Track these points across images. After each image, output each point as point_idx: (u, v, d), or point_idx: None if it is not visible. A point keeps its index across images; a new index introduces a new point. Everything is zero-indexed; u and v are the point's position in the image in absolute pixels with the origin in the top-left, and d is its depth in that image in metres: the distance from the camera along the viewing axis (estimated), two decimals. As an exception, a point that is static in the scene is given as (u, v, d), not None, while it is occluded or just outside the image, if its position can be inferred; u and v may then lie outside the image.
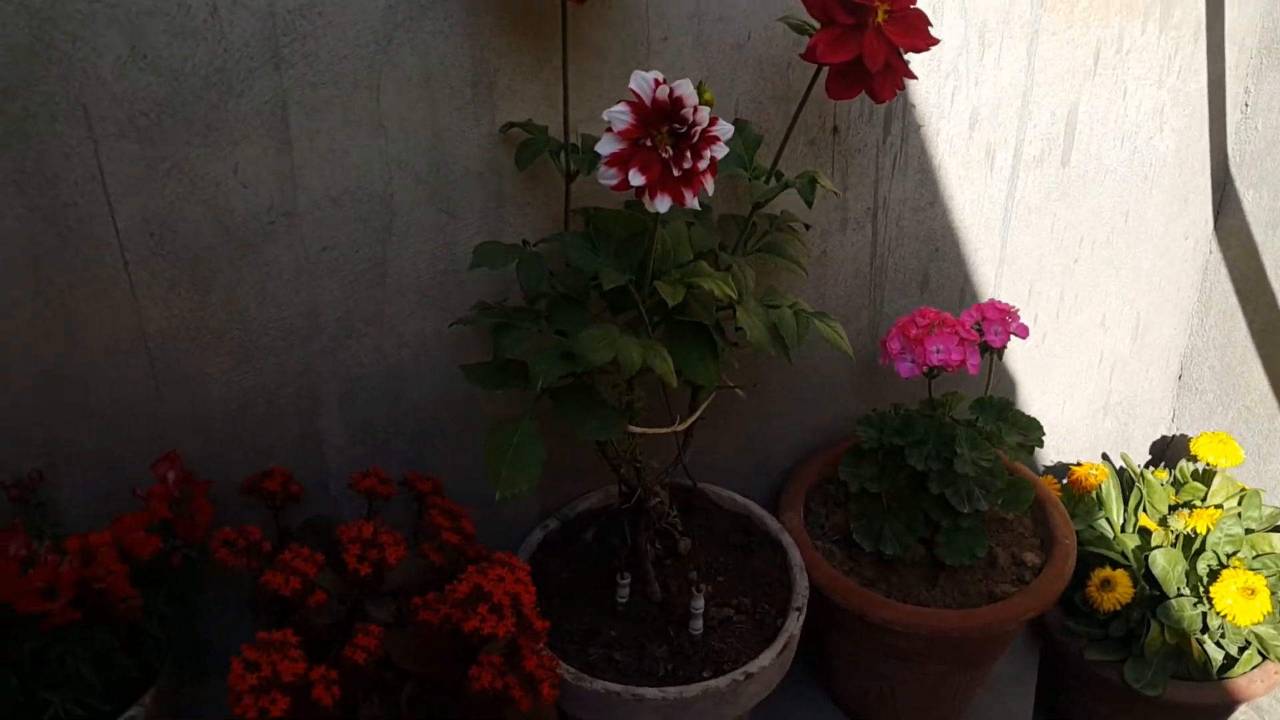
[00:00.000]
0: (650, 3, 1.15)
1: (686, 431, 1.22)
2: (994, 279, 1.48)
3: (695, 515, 1.40)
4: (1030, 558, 1.40)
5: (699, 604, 1.27)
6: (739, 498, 1.44)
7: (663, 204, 0.94)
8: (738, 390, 1.24)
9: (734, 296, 1.06)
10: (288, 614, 1.24)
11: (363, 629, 1.11)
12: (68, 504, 1.21)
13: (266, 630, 1.09)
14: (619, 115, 0.94)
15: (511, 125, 1.14)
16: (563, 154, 1.12)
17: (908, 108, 1.33)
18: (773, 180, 1.18)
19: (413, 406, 1.31)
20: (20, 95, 0.97)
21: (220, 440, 1.24)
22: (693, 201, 0.95)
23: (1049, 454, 1.73)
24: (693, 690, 1.19)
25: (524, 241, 1.19)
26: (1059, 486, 1.59)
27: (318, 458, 1.30)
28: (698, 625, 1.28)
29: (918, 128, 1.34)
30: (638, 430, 1.14)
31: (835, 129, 1.32)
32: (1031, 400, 1.43)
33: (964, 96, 1.38)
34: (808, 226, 1.27)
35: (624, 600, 1.32)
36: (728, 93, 1.23)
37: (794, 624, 1.27)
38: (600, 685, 1.20)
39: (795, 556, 1.35)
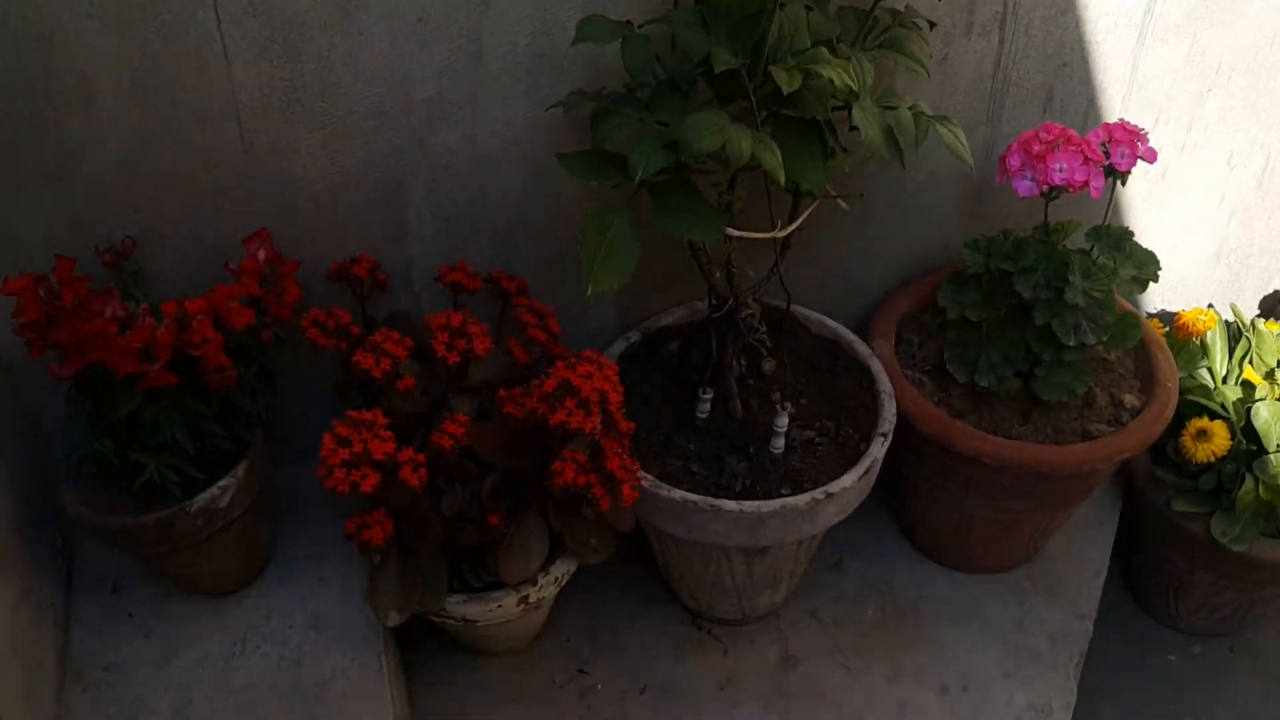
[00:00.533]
0: None
1: (784, 241, 1.17)
2: (1120, 103, 1.38)
3: (781, 335, 1.36)
4: (1129, 399, 1.35)
5: (782, 422, 1.24)
6: (828, 321, 1.40)
7: (789, -22, 0.87)
8: (840, 201, 1.17)
9: (854, 87, 0.99)
10: (372, 400, 1.25)
11: (450, 417, 1.11)
12: (158, 275, 1.21)
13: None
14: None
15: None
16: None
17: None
18: (901, -28, 1.09)
19: (499, 201, 1.27)
20: None
21: (308, 223, 1.22)
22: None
23: (1153, 299, 1.64)
24: (771, 505, 1.18)
25: (627, 22, 1.12)
26: (1163, 331, 1.52)
27: (402, 249, 1.28)
28: (779, 444, 1.26)
29: (1058, -71, 1.22)
30: (736, 233, 1.09)
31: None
32: (1142, 239, 1.35)
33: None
34: (932, 25, 1.18)
35: (704, 415, 1.30)
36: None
37: (878, 448, 1.25)
38: (678, 494, 1.19)
39: (884, 383, 1.31)
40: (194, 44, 1.05)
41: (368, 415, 1.07)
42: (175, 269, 1.21)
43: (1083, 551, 1.55)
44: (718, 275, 1.19)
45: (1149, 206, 1.52)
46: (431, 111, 1.17)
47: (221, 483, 1.14)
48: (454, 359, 1.11)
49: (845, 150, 1.10)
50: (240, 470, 1.16)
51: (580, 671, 1.41)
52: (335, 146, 1.16)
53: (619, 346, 1.37)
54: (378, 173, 1.20)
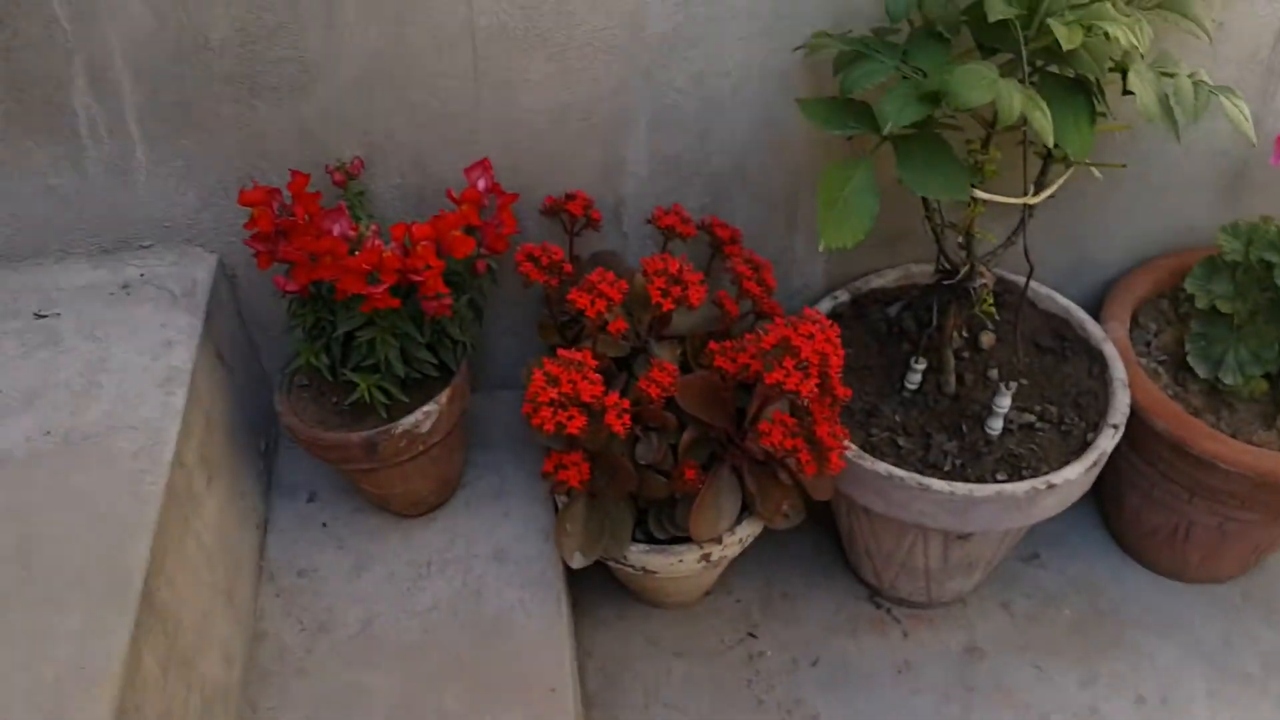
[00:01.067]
0: None
1: (1029, 209, 1.08)
2: None
3: (1003, 310, 1.28)
4: (1393, 415, 1.22)
5: (1003, 402, 1.17)
6: (1058, 297, 1.30)
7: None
8: (1094, 170, 1.08)
9: (1139, 46, 0.90)
10: (572, 339, 1.23)
11: (659, 365, 1.08)
12: (381, 196, 1.22)
13: (552, 353, 1.08)
14: None
15: None
16: None
17: None
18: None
19: (719, 146, 1.22)
20: None
21: (526, 154, 1.20)
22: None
23: None
24: (985, 490, 1.11)
25: (886, -34, 1.05)
26: None
27: (616, 188, 1.25)
28: (996, 425, 1.18)
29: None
30: (984, 195, 1.02)
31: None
32: None
33: None
34: (1218, -13, 1.07)
35: (914, 386, 1.23)
36: None
37: (1107, 441, 1.16)
38: (883, 467, 1.14)
39: (1118, 370, 1.22)
40: (437, -35, 1.03)
41: (577, 355, 1.05)
42: (395, 191, 1.22)
43: (1304, 570, 1.43)
44: (950, 240, 1.12)
45: None
46: (664, 47, 1.13)
47: (426, 408, 1.15)
48: (668, 306, 1.08)
49: (1110, 115, 1.01)
50: (443, 397, 1.17)
51: (750, 635, 1.39)
52: (565, 79, 1.13)
53: (826, 305, 1.32)
54: (602, 108, 1.17)
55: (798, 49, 1.10)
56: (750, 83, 1.16)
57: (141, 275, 1.21)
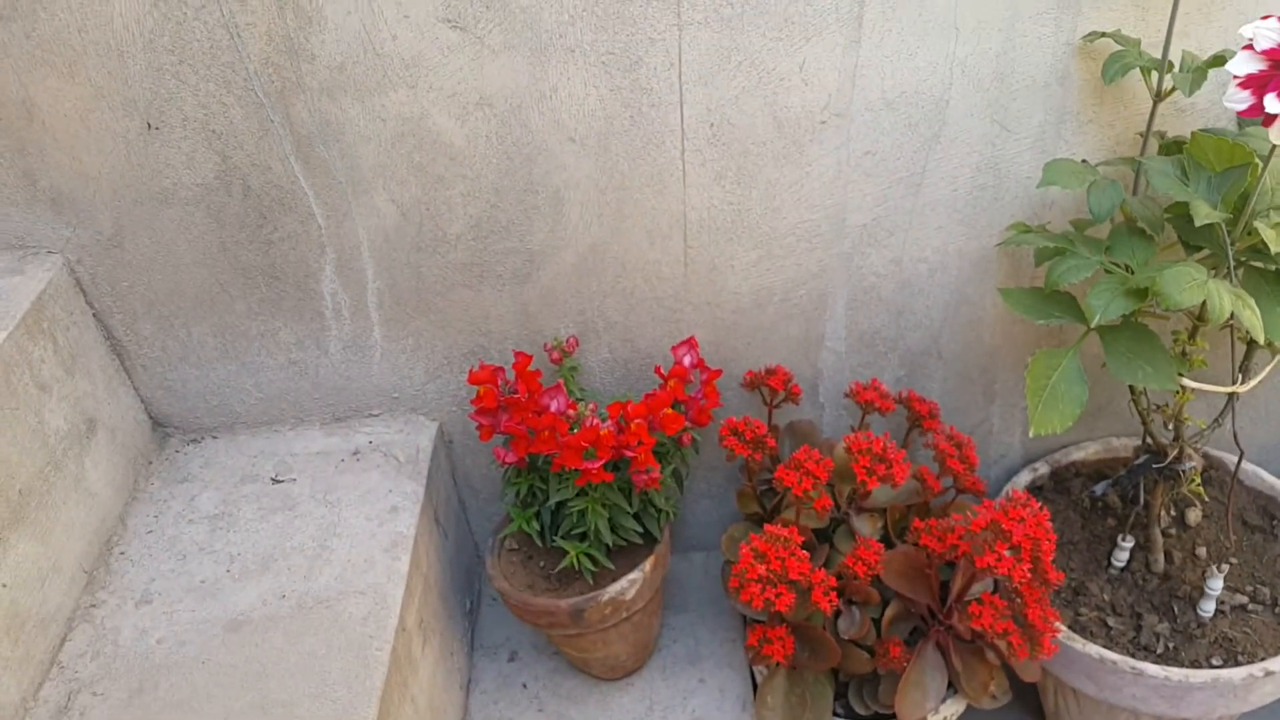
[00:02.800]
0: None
1: (1235, 394, 1.08)
2: None
3: (1209, 485, 1.26)
4: None
5: (1216, 584, 1.14)
6: (1265, 475, 1.27)
7: (1303, 134, 0.82)
8: (1306, 356, 1.08)
9: (1351, 250, 0.91)
10: (771, 511, 1.27)
11: (864, 542, 1.10)
12: (590, 369, 1.30)
13: (743, 521, 1.12)
14: (1266, 32, 0.81)
15: (1099, 35, 1.03)
16: (1154, 71, 1.00)
17: None
18: None
19: (915, 323, 1.27)
20: (626, -22, 1.01)
21: (729, 331, 1.27)
22: (1348, 134, 0.81)
23: None
24: (1200, 676, 1.08)
25: (1083, 161, 1.09)
26: None
27: (814, 361, 1.30)
28: (1208, 607, 1.15)
29: None
30: (1193, 384, 1.02)
31: None
32: None
33: None
34: None
35: (1120, 564, 1.22)
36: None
37: (1331, 628, 1.12)
38: (1094, 649, 1.12)
39: (1337, 553, 1.18)
40: (658, 169, 1.12)
41: (784, 532, 1.08)
42: (604, 365, 1.30)
43: None
44: (1157, 422, 1.12)
45: None
46: (863, 236, 1.19)
47: (630, 575, 1.20)
48: (872, 484, 1.11)
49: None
50: (647, 565, 1.21)
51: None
52: (768, 264, 1.20)
53: (1025, 477, 1.32)
54: (803, 289, 1.23)
55: (999, 244, 1.15)
56: (947, 267, 1.21)
57: (370, 442, 1.32)
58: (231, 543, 1.18)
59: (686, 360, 1.22)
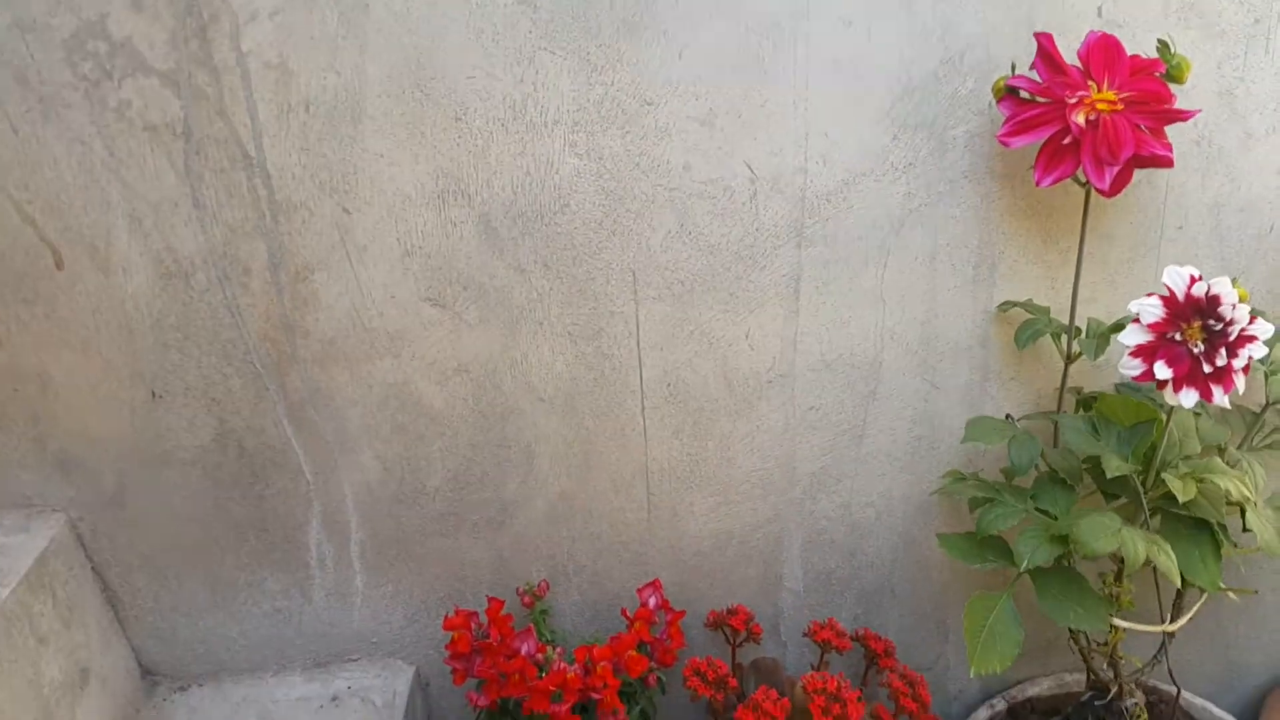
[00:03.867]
0: (1169, 192, 1.14)
1: (1168, 634, 1.14)
2: None
3: (1157, 718, 1.30)
4: None
5: (1171, 822, 1.17)
6: (1214, 709, 1.31)
7: (1188, 399, 0.92)
8: (1230, 594, 1.14)
9: (1251, 497, 1.00)
10: (738, 750, 1.29)
11: (825, 784, 1.13)
12: (560, 611, 1.36)
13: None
14: (1150, 308, 0.93)
15: (1011, 304, 1.16)
16: (1064, 336, 1.13)
17: None
18: (1291, 374, 1.11)
19: (867, 563, 1.34)
20: (586, 261, 1.14)
21: (691, 572, 1.34)
22: (1223, 399, 0.91)
23: None
24: None
25: (1007, 416, 1.20)
26: None
27: (774, 601, 1.36)
28: (1167, 845, 1.17)
29: None
30: (1123, 624, 1.09)
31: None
32: None
33: None
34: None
35: (1079, 799, 1.24)
36: (1243, 283, 1.18)
37: None
38: None
39: (1287, 787, 1.21)
40: (620, 424, 1.23)
41: (746, 775, 1.12)
42: (574, 606, 1.36)
43: None
44: (1098, 659, 1.17)
45: None
46: (813, 483, 1.28)
47: (601, 821, 1.22)
48: (829, 724, 1.15)
49: (1236, 545, 1.09)
50: (617, 809, 1.23)
51: None
52: (725, 510, 1.29)
53: (983, 714, 1.36)
54: (760, 533, 1.31)
55: (934, 492, 1.24)
56: (892, 511, 1.30)
57: (349, 687, 1.35)
58: (209, 793, 1.20)
59: (651, 602, 1.28)
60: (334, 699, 1.34)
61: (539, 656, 1.18)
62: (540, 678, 1.15)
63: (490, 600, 1.23)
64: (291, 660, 1.38)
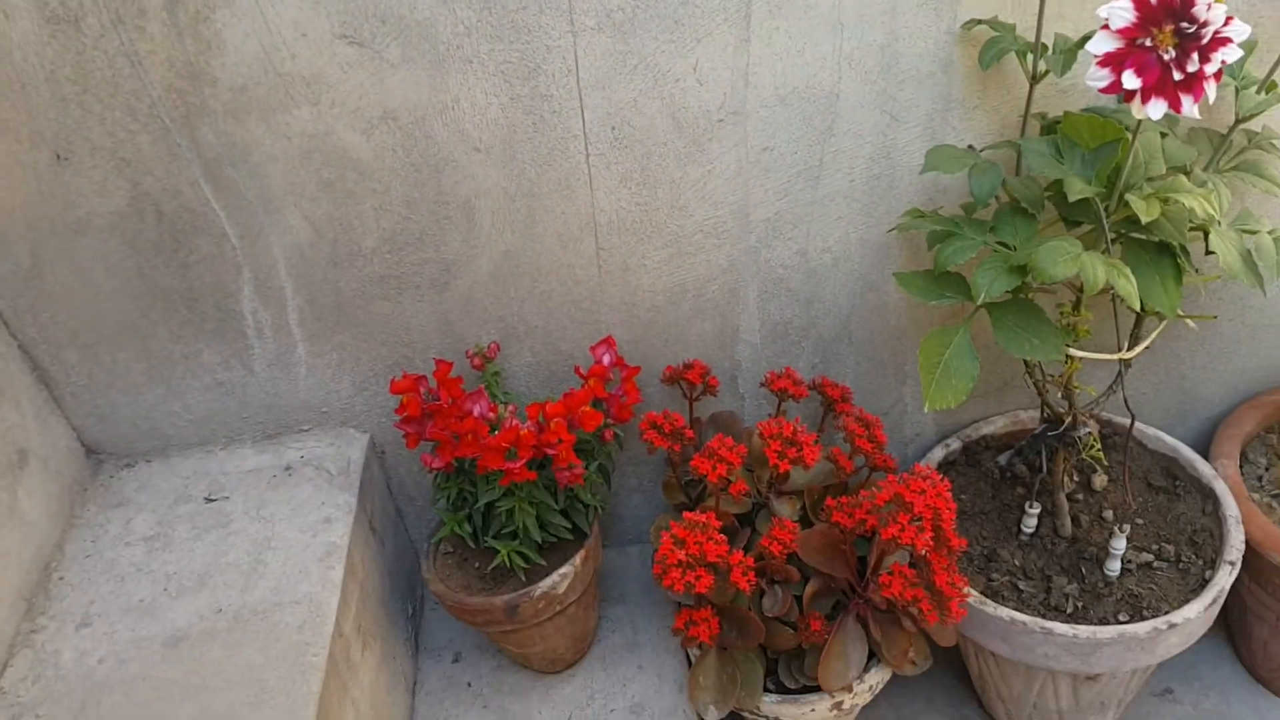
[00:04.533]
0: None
1: (1126, 360, 1.13)
2: None
3: (1113, 451, 1.31)
4: None
5: (1119, 544, 1.20)
6: (1167, 437, 1.33)
7: (1156, 110, 0.87)
8: (1189, 322, 1.13)
9: (1216, 216, 0.96)
10: (696, 500, 1.31)
11: (778, 523, 1.14)
12: (514, 374, 1.33)
13: (673, 512, 1.15)
14: (1120, 11, 0.86)
15: (976, 22, 1.08)
16: (1029, 54, 1.05)
17: None
18: (1264, 93, 1.05)
19: (825, 311, 1.31)
20: (515, -10, 1.04)
21: (646, 329, 1.31)
22: (1192, 109, 0.86)
23: None
24: (1107, 632, 1.14)
25: (970, 146, 1.14)
26: None
27: (731, 354, 1.34)
28: (1114, 566, 1.21)
29: None
30: (1079, 354, 1.07)
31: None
32: None
33: None
34: (1294, 144, 1.13)
35: (1030, 530, 1.27)
36: (1220, -12, 1.10)
37: (1225, 578, 1.17)
38: (1005, 612, 1.17)
39: (1230, 507, 1.23)
40: (564, 173, 1.16)
41: (701, 517, 1.12)
42: (527, 369, 1.33)
43: None
44: (1053, 393, 1.17)
45: None
46: (768, 229, 1.23)
47: (562, 570, 1.23)
48: (784, 467, 1.15)
49: (1198, 271, 1.06)
50: (578, 559, 1.24)
51: (886, 781, 1.40)
52: (679, 262, 1.24)
53: (938, 453, 1.37)
54: (715, 285, 1.27)
55: (892, 229, 1.20)
56: (850, 256, 1.26)
57: (302, 457, 1.34)
58: (168, 562, 1.20)
59: (605, 359, 1.26)
60: (287, 469, 1.33)
61: (491, 416, 1.16)
62: (492, 436, 1.13)
63: (438, 363, 1.20)
64: (240, 433, 1.36)
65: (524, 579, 1.23)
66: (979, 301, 1.00)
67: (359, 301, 1.25)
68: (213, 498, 1.30)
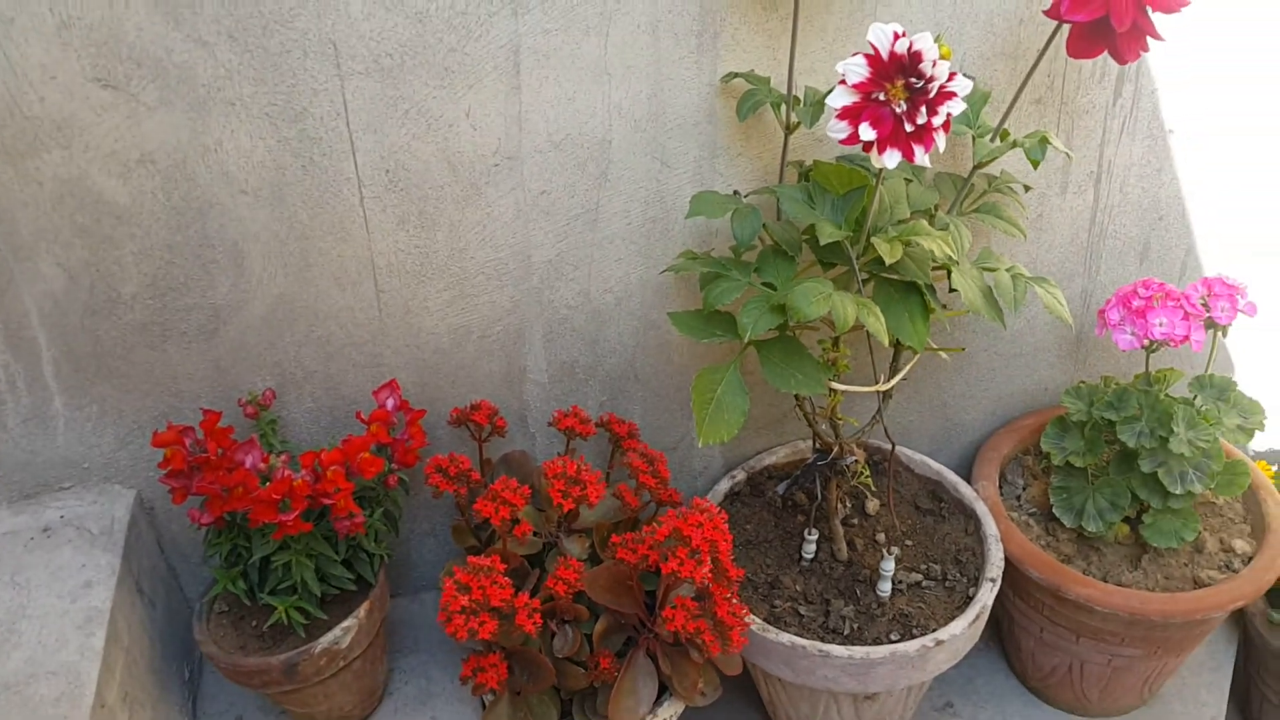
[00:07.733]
0: (883, -45, 1.12)
1: (886, 391, 1.20)
2: (1220, 251, 1.40)
3: (883, 477, 1.39)
4: (1240, 545, 1.33)
5: (889, 566, 1.26)
6: (932, 462, 1.41)
7: (891, 159, 0.93)
8: (941, 353, 1.21)
9: (953, 257, 1.03)
10: (486, 542, 1.30)
11: (564, 562, 1.15)
12: (294, 421, 1.29)
13: (465, 556, 1.14)
14: (855, 68, 0.92)
15: (734, 75, 1.13)
16: (784, 106, 1.11)
17: (1142, 69, 1.26)
18: (998, 140, 1.14)
19: (610, 350, 1.33)
20: (278, 31, 1.02)
21: (432, 372, 1.29)
22: (923, 158, 0.92)
23: (1260, 438, 1.63)
24: (880, 651, 1.19)
25: (735, 191, 1.19)
26: (1272, 473, 1.50)
27: (520, 394, 1.34)
28: (885, 587, 1.27)
29: (1152, 90, 1.26)
30: (840, 387, 1.13)
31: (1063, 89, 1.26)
32: (1247, 385, 1.35)
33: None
34: (1027, 188, 1.22)
35: (809, 556, 1.32)
36: (955, 47, 1.19)
37: (987, 594, 1.25)
38: (786, 638, 1.20)
39: (990, 526, 1.32)
40: (338, 216, 1.14)
41: (485, 561, 1.11)
42: (308, 415, 1.29)
43: (1198, 695, 1.51)
44: (822, 424, 1.22)
45: (1252, 350, 1.52)
46: (550, 271, 1.24)
47: (344, 624, 1.20)
48: (569, 506, 1.16)
49: (945, 306, 1.14)
50: (361, 611, 1.21)
51: (683, 813, 1.41)
52: (461, 304, 1.24)
53: (724, 485, 1.41)
54: (499, 326, 1.27)
55: (664, 271, 1.23)
56: (631, 296, 1.28)
57: (61, 517, 1.25)
58: (-96, 639, 1.10)
59: (389, 403, 1.23)
60: (45, 530, 1.24)
61: (263, 467, 1.12)
62: (263, 488, 1.09)
63: (205, 412, 1.15)
64: (-6, 494, 1.26)
65: (304, 635, 1.19)
66: (745, 339, 1.04)
67: (120, 351, 1.18)
68: (-40, 566, 1.20)
